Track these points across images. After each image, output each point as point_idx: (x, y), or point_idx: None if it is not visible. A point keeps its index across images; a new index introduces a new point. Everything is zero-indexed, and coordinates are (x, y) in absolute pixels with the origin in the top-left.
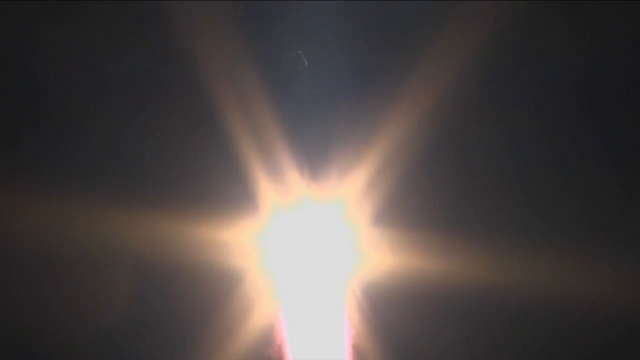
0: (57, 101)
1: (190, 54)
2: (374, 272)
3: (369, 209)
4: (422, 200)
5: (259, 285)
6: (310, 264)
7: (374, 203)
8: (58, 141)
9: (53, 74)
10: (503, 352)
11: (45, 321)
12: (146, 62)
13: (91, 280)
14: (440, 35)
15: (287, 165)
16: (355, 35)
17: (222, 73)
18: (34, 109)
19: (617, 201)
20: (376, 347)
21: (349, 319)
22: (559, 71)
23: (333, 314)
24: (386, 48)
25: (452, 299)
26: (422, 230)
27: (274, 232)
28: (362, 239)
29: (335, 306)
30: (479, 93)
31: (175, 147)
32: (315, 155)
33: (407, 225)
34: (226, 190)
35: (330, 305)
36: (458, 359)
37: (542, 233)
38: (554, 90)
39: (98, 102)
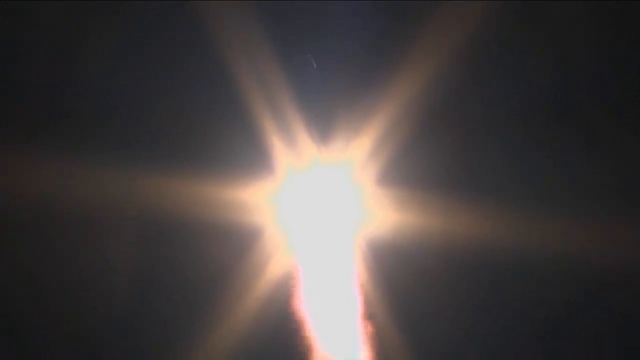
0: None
1: (215, 38)
2: (379, 228)
3: (375, 170)
4: (423, 162)
5: (275, 239)
6: (321, 220)
7: (379, 165)
8: (93, 112)
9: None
10: (496, 299)
11: (76, 278)
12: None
13: (119, 237)
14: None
15: (299, 131)
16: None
17: (242, 53)
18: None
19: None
20: (380, 294)
21: (356, 270)
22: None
23: (342, 266)
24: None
25: (451, 252)
26: (423, 190)
27: (288, 191)
28: (368, 198)
29: (344, 258)
30: (480, 59)
31: (202, 118)
32: (325, 121)
33: (410, 185)
34: (244, 155)
35: (339, 258)
36: (455, 307)
37: (535, 193)
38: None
39: (127, 73)
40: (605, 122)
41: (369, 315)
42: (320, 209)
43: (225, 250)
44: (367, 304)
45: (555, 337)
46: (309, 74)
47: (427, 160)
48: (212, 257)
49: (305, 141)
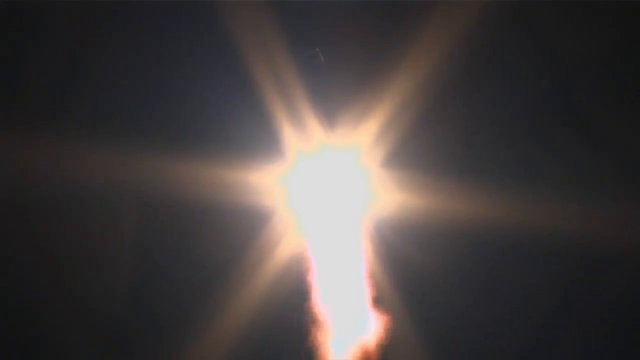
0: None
1: (228, 28)
2: (385, 209)
3: (381, 154)
4: (428, 145)
5: (285, 220)
6: (329, 201)
7: (385, 149)
8: (105, 95)
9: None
10: (499, 279)
11: (91, 256)
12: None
13: (132, 219)
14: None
15: (308, 116)
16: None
17: (254, 43)
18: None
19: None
20: (387, 273)
21: (364, 249)
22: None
23: (350, 245)
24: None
25: (455, 232)
26: (428, 173)
27: (297, 174)
28: (375, 180)
29: (352, 238)
30: (484, 48)
31: (214, 104)
32: (333, 108)
33: (415, 168)
34: (256, 140)
35: (347, 237)
36: (459, 285)
37: (534, 177)
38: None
39: (143, 62)
40: (600, 114)
41: (377, 293)
42: (329, 191)
43: (237, 231)
44: (374, 281)
45: (556, 316)
46: (318, 64)
47: (431, 145)
48: (224, 238)
49: (314, 126)
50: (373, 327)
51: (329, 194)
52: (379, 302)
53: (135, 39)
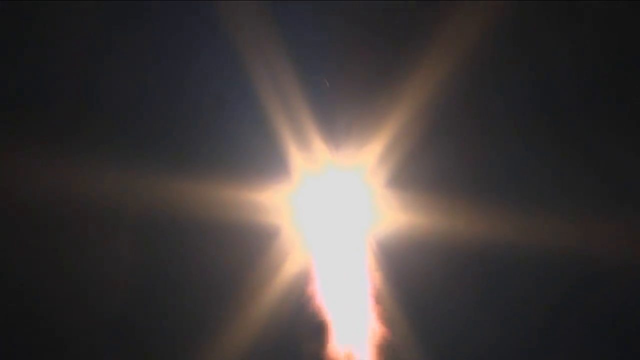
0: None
1: (235, 44)
2: (389, 228)
3: (384, 174)
4: (429, 166)
5: (291, 239)
6: (334, 220)
7: (388, 168)
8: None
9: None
10: (500, 297)
11: (100, 271)
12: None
13: (140, 236)
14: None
15: (314, 136)
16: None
17: (260, 60)
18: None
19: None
20: (390, 290)
21: (368, 268)
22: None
23: (354, 264)
24: (396, 39)
25: (455, 251)
26: (429, 192)
27: (303, 193)
28: (378, 200)
29: (356, 257)
30: (484, 69)
31: (223, 124)
32: (338, 128)
33: (417, 187)
34: (263, 159)
35: (351, 256)
36: (461, 303)
37: (538, 195)
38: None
39: (145, 76)
40: (605, 129)
41: (380, 310)
42: (334, 210)
43: (244, 248)
44: (378, 299)
45: (553, 334)
46: (324, 91)
47: (433, 165)
48: (231, 256)
49: (319, 146)
50: (377, 342)
51: (334, 212)
52: (383, 316)
53: (143, 57)
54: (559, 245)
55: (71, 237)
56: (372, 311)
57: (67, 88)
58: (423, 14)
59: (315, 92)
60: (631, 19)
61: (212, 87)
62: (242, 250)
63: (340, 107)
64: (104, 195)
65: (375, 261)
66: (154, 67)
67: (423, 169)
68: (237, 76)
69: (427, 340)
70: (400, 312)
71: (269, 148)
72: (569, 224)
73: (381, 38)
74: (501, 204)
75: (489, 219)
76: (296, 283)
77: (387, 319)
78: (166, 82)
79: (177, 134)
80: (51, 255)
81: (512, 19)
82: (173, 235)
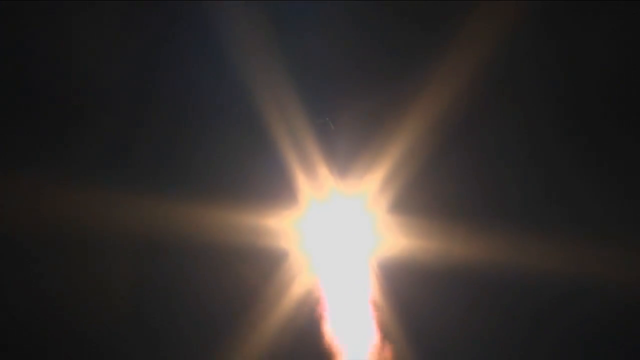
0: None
1: (243, 73)
2: (391, 252)
3: (388, 201)
4: (429, 194)
5: (298, 262)
6: (339, 245)
7: (391, 195)
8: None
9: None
10: (503, 320)
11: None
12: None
13: (147, 262)
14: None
15: (319, 165)
16: (372, 45)
17: (268, 92)
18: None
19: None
20: (392, 311)
21: (371, 289)
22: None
23: (358, 285)
24: (401, 52)
25: (458, 276)
26: (429, 218)
27: (309, 219)
28: (382, 225)
29: (360, 279)
30: (489, 90)
31: (233, 153)
32: (342, 157)
33: (420, 214)
34: (270, 186)
35: (356, 278)
36: (460, 326)
37: (543, 219)
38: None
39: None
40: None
41: (383, 330)
42: (338, 234)
43: (253, 271)
44: (381, 319)
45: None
46: (328, 131)
47: (433, 192)
48: (241, 278)
49: (325, 176)
50: None
51: (339, 238)
52: (385, 336)
53: (152, 84)
54: (552, 267)
55: (76, 262)
56: (375, 331)
57: (68, 89)
58: (424, 35)
59: (321, 133)
60: None
61: (222, 115)
62: (252, 273)
63: (343, 140)
64: (106, 224)
65: (378, 283)
66: (164, 91)
67: (423, 196)
68: (249, 108)
69: (427, 358)
70: (402, 332)
71: (277, 177)
72: (564, 247)
73: (381, 76)
74: (509, 231)
75: (487, 242)
76: (303, 305)
77: (389, 338)
78: (174, 106)
79: (186, 161)
80: (45, 280)
81: (504, 61)
82: (182, 257)
